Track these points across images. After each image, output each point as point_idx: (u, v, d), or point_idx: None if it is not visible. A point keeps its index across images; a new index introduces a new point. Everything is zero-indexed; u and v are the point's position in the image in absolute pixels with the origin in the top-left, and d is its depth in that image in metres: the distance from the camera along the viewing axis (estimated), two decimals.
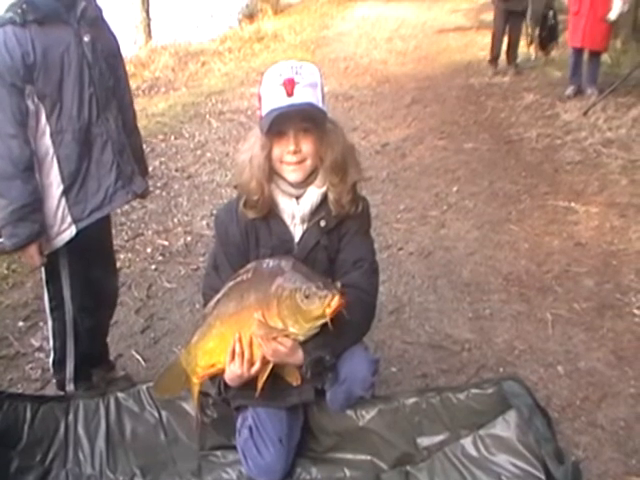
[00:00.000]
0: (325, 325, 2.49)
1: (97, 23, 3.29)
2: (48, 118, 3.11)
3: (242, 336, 2.63)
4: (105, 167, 3.30)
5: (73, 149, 3.18)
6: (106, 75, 3.29)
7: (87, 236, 3.31)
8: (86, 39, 3.15)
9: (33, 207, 3.11)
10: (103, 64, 3.26)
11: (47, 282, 3.46)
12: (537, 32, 11.70)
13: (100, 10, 3.34)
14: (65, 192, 3.22)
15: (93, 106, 3.21)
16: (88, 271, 3.45)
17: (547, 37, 11.60)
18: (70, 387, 3.58)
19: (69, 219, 3.25)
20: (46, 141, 3.14)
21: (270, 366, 2.68)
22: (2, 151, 3.03)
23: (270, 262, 2.67)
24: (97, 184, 3.29)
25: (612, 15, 9.08)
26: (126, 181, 3.40)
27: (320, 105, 2.71)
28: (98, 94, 3.22)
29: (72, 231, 3.27)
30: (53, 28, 3.06)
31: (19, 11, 2.96)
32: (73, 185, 3.23)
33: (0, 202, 3.09)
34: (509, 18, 11.38)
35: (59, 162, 3.17)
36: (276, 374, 2.73)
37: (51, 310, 3.50)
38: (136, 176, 3.50)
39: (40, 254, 3.22)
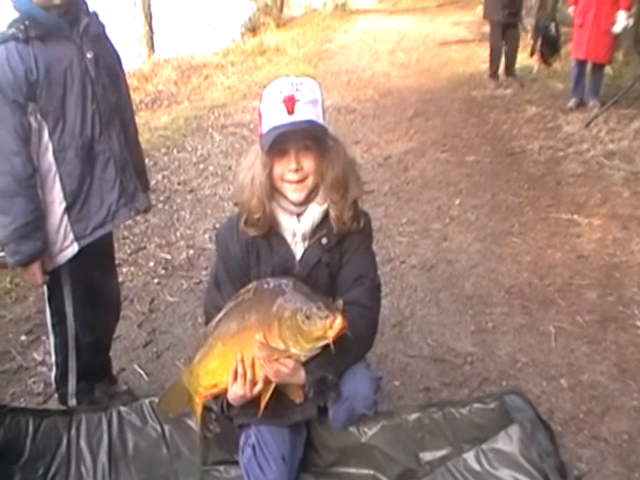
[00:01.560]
0: (327, 345, 2.49)
1: (99, 39, 3.27)
2: (51, 135, 3.10)
3: (244, 357, 2.62)
4: (108, 184, 3.30)
5: (76, 166, 3.17)
6: (109, 91, 3.28)
7: (89, 251, 3.31)
8: (89, 55, 3.13)
9: (36, 225, 3.11)
10: (106, 80, 3.24)
11: (49, 298, 3.45)
12: (539, 44, 11.71)
13: (102, 26, 3.33)
14: (67, 209, 3.22)
15: (96, 123, 3.20)
16: (90, 286, 3.44)
17: (549, 49, 11.62)
18: (72, 402, 3.58)
19: (71, 236, 3.25)
20: (49, 158, 3.13)
21: (273, 386, 2.66)
22: (4, 168, 3.02)
23: (271, 282, 2.66)
24: (99, 201, 3.29)
25: (617, 28, 9.10)
26: (129, 198, 3.40)
27: (321, 121, 2.70)
28: (101, 110, 3.22)
29: (74, 248, 3.27)
30: (56, 44, 3.04)
31: (22, 27, 2.95)
32: (75, 202, 3.22)
33: (2, 220, 3.08)
34: (505, 31, 11.47)
35: (62, 179, 3.16)
36: (279, 392, 2.72)
37: (53, 326, 3.50)
38: (138, 193, 3.49)
39: (42, 272, 3.22)
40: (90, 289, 3.45)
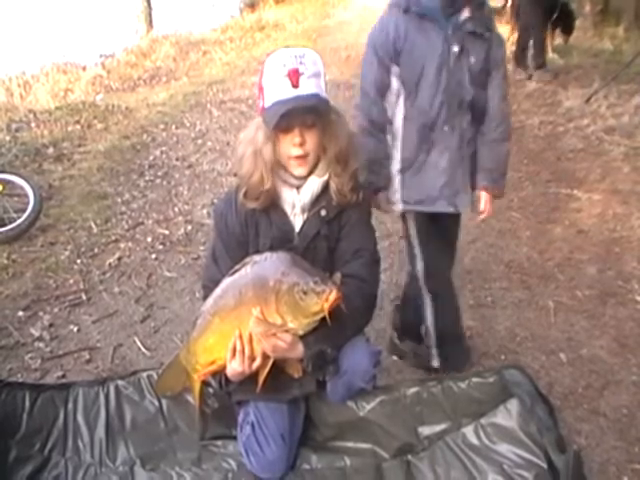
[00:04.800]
0: (325, 318, 2.47)
1: (473, 38, 3.26)
2: (404, 101, 3.34)
3: (242, 332, 2.61)
4: (436, 171, 3.39)
5: (414, 140, 3.36)
6: (466, 88, 3.30)
7: (434, 220, 3.53)
8: (454, 49, 3.20)
9: (382, 163, 3.40)
10: (465, 76, 3.27)
11: (405, 236, 3.70)
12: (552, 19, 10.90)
13: (486, 26, 3.29)
14: (400, 172, 3.43)
15: (442, 112, 3.29)
16: (435, 244, 3.61)
17: (567, 22, 10.85)
18: (435, 363, 3.75)
19: (398, 196, 3.47)
20: (399, 119, 3.38)
21: (271, 361, 2.65)
22: (365, 109, 3.41)
23: (268, 257, 2.65)
24: (425, 182, 3.42)
25: None
26: (451, 193, 3.43)
27: (324, 94, 2.69)
28: (450, 103, 3.27)
29: (399, 207, 3.50)
30: (427, 26, 3.20)
31: (404, 1, 3.19)
32: (406, 170, 3.43)
33: (373, 140, 3.39)
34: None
35: (402, 144, 3.39)
36: (277, 367, 2.70)
37: (409, 262, 3.72)
38: (462, 193, 3.48)
39: (387, 204, 3.50)
40: (435, 248, 3.62)
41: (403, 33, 3.19)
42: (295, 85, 2.58)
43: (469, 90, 3.30)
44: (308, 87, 2.60)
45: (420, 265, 3.57)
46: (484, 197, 3.52)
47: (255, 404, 2.92)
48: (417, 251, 3.56)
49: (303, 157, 2.70)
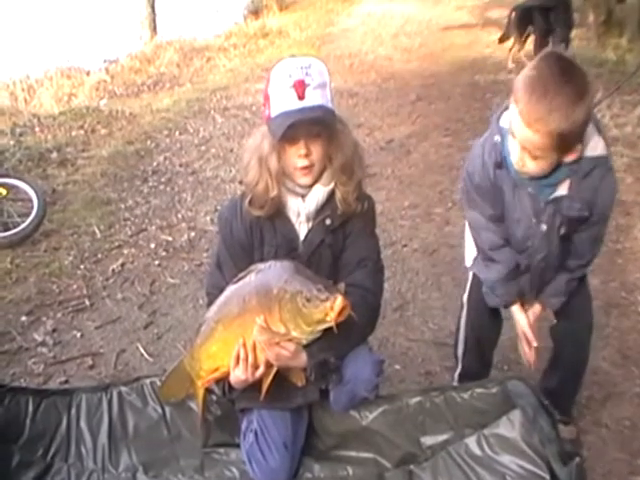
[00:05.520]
0: (329, 328, 2.47)
1: (569, 218, 2.94)
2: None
3: (246, 340, 2.62)
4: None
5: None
6: (552, 264, 3.14)
7: None
8: (542, 228, 2.98)
9: (517, 271, 3.15)
10: (553, 253, 3.08)
11: None
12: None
13: (587, 204, 2.86)
14: None
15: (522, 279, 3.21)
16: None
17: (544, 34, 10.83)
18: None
19: None
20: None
21: (274, 369, 2.66)
22: (487, 227, 3.11)
23: (272, 264, 2.66)
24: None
25: None
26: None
27: (330, 105, 2.70)
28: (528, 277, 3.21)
29: None
30: (519, 187, 2.93)
31: (499, 140, 2.89)
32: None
33: (495, 267, 3.15)
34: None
35: None
36: (281, 375, 2.71)
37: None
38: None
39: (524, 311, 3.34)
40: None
41: (500, 181, 2.96)
42: (301, 97, 2.59)
43: (555, 262, 3.14)
44: (314, 98, 2.60)
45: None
46: (536, 309, 3.39)
47: (258, 412, 2.93)
48: None
49: (308, 167, 2.71)
